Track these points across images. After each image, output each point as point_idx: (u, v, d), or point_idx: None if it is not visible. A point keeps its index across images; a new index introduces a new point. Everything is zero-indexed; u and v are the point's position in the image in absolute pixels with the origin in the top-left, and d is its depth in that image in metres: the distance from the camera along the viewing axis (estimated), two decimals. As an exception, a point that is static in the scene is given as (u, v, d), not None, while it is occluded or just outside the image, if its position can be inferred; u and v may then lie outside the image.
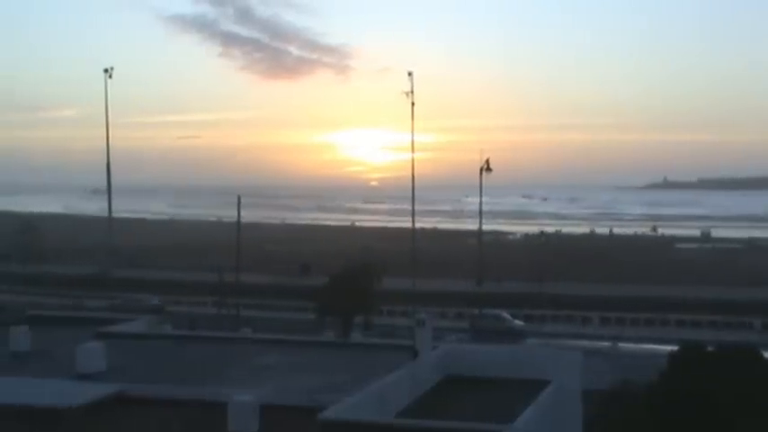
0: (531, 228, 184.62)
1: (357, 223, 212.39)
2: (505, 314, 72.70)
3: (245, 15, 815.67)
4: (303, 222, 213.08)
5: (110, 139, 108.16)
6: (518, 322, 72.43)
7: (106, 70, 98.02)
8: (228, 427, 21.67)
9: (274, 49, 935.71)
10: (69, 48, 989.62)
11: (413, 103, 69.36)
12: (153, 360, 31.38)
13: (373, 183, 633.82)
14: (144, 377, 27.57)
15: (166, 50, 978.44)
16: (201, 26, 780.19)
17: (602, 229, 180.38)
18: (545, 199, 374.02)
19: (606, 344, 64.87)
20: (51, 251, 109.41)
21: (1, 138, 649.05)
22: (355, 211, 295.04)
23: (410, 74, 70.59)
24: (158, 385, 26.07)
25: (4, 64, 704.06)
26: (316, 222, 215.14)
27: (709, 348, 33.48)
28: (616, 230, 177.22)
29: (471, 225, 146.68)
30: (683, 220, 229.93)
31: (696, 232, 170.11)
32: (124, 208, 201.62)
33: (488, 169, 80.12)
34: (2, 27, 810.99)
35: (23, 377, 27.48)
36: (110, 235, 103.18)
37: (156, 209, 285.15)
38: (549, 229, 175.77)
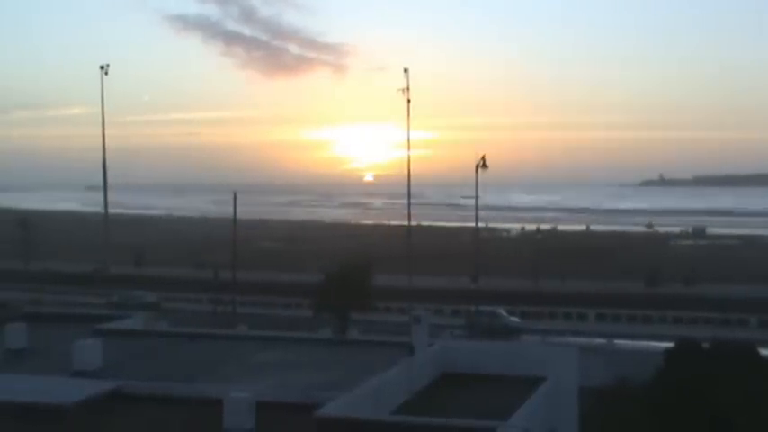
0: (528, 224, 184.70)
1: (354, 220, 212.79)
2: (501, 311, 72.69)
3: (248, 15, 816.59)
4: (300, 219, 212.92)
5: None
6: (514, 319, 72.37)
7: (102, 67, 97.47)
8: (224, 423, 21.67)
9: (274, 48, 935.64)
10: (75, 47, 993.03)
11: (408, 101, 69.10)
12: (149, 357, 31.38)
13: (369, 179, 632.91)
14: (140, 374, 27.56)
15: (171, 49, 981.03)
16: (205, 26, 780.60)
17: (597, 226, 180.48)
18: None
19: (602, 341, 64.90)
20: (48, 247, 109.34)
21: (7, 135, 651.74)
22: (353, 207, 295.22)
23: (406, 71, 70.34)
24: (155, 382, 26.09)
25: (9, 63, 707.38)
26: (313, 219, 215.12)
27: (705, 345, 33.56)
28: (612, 227, 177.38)
29: (467, 222, 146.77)
30: (678, 216, 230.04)
31: (691, 229, 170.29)
32: (121, 205, 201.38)
33: (484, 166, 79.96)
34: (8, 27, 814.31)
35: (20, 374, 27.48)
36: (106, 232, 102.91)
37: (154, 206, 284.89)
38: (546, 226, 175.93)
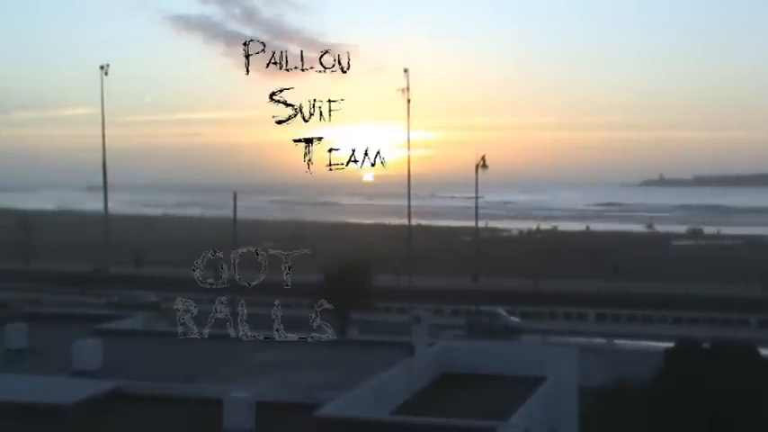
0: (528, 223, 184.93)
1: (354, 220, 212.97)
2: (501, 311, 72.63)
3: (249, 16, 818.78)
4: (300, 219, 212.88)
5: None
6: (514, 319, 72.29)
7: (102, 67, 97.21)
8: (224, 423, 21.68)
9: (275, 48, 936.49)
10: (76, 47, 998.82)
11: (408, 101, 69.04)
12: (149, 357, 31.38)
13: (369, 179, 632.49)
14: (140, 374, 27.56)
15: (172, 50, 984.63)
16: (207, 26, 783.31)
17: (597, 226, 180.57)
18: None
19: (602, 341, 64.85)
20: (47, 248, 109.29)
21: (7, 136, 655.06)
22: (353, 207, 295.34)
23: (406, 71, 70.27)
24: (154, 382, 26.08)
25: (9, 63, 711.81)
26: (313, 219, 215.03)
27: (706, 345, 33.55)
28: (612, 227, 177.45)
29: (467, 222, 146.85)
30: (678, 216, 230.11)
31: (691, 229, 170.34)
32: (122, 205, 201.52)
33: (484, 166, 79.91)
34: (8, 27, 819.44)
35: (20, 374, 27.47)
36: (106, 232, 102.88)
37: (156, 206, 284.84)
38: (546, 226, 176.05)
